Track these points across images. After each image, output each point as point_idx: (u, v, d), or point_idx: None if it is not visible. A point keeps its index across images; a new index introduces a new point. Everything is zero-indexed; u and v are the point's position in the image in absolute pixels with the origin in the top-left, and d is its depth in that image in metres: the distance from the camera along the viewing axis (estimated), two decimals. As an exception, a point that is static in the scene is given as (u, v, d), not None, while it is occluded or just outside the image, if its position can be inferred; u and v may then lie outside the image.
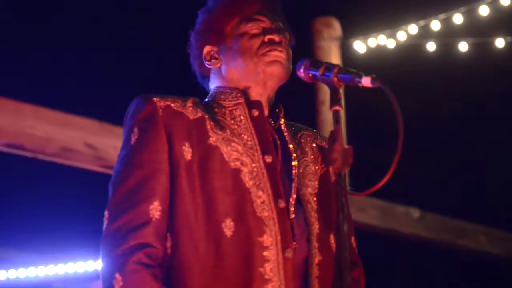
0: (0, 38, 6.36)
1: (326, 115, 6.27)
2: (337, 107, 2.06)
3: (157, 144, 2.23)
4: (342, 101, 2.07)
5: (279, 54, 2.33)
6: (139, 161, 2.22)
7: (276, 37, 2.34)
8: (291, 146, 2.34)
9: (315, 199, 2.30)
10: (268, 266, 2.16)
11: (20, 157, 5.27)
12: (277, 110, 2.39)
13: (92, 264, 7.72)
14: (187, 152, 2.22)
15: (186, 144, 2.23)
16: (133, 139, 2.25)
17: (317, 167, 2.37)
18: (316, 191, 2.32)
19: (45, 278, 7.83)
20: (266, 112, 2.37)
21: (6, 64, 6.40)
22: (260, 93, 2.36)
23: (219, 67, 2.40)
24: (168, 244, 2.20)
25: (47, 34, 6.48)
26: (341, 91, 2.12)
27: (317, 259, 2.24)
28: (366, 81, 2.05)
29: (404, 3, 6.53)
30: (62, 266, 7.74)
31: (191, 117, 2.27)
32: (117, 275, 2.13)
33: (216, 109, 2.32)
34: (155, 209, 2.19)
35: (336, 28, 6.45)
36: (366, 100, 6.12)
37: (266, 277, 2.16)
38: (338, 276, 2.04)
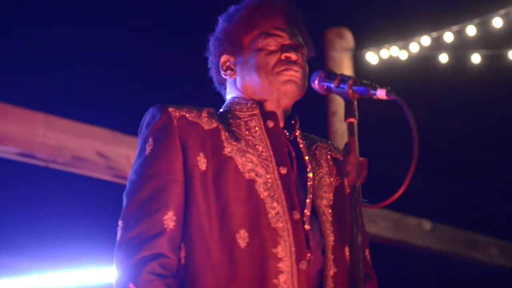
0: (12, 48, 6.38)
1: (338, 126, 6.26)
2: (352, 119, 2.05)
3: (172, 154, 2.23)
4: (357, 113, 2.06)
5: (294, 74, 2.33)
6: (154, 171, 2.22)
7: (293, 56, 2.34)
8: (306, 157, 2.34)
9: (330, 211, 2.30)
10: (282, 278, 2.16)
11: (32, 166, 5.28)
12: (292, 122, 2.39)
13: (104, 273, 7.72)
14: (202, 162, 2.23)
15: (201, 154, 2.23)
16: (148, 149, 2.25)
17: (332, 179, 2.37)
18: (331, 203, 2.32)
19: (57, 287, 7.83)
20: (281, 124, 2.37)
21: (19, 73, 6.42)
22: (275, 106, 2.36)
23: (235, 79, 2.40)
24: (182, 254, 2.19)
25: (59, 42, 6.50)
26: (356, 103, 2.11)
27: (332, 271, 2.24)
28: (381, 94, 2.05)
29: (417, 15, 6.53)
30: (73, 274, 7.75)
31: (206, 127, 2.27)
32: (131, 285, 2.13)
33: (231, 120, 2.33)
34: (170, 219, 2.18)
35: (348, 39, 6.44)
36: (380, 112, 6.12)
37: None
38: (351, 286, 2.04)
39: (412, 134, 1.97)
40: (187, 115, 2.28)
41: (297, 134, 2.38)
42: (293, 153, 2.34)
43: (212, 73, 2.48)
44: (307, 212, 2.26)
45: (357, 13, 6.74)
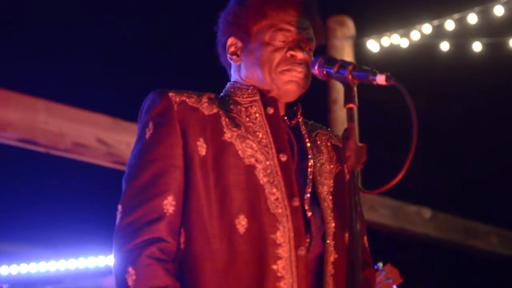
0: (15, 36, 6.38)
1: (339, 113, 6.26)
2: (351, 105, 2.05)
3: (172, 139, 2.23)
4: (356, 99, 2.06)
5: (297, 75, 2.32)
6: (154, 156, 2.22)
7: (299, 54, 2.32)
8: (308, 144, 2.34)
9: (330, 197, 2.30)
10: (280, 264, 2.16)
11: (33, 152, 5.29)
12: (294, 108, 2.39)
13: (103, 260, 7.73)
14: (202, 147, 2.22)
15: (201, 139, 2.23)
16: (148, 134, 2.25)
17: (332, 166, 2.37)
18: (331, 189, 2.32)
19: (56, 273, 7.85)
20: (282, 110, 2.37)
21: (20, 60, 6.42)
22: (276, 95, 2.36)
23: (239, 65, 2.40)
24: (182, 239, 2.20)
25: (61, 30, 6.50)
26: (355, 89, 2.11)
27: (332, 257, 2.24)
28: (380, 79, 2.05)
29: (418, 3, 6.52)
30: (73, 261, 7.76)
31: (206, 112, 2.27)
32: (130, 269, 2.13)
33: (231, 106, 2.32)
34: (169, 204, 2.19)
35: (349, 27, 6.44)
36: (380, 98, 6.12)
37: (279, 274, 2.16)
38: (349, 274, 2.04)
39: (412, 120, 1.97)
40: (187, 100, 2.28)
41: (299, 120, 2.37)
42: (294, 140, 2.34)
43: (219, 49, 2.47)
44: (306, 198, 2.26)
45: (358, 1, 6.74)
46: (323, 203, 2.28)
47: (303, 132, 2.36)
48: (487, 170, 8.54)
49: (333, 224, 2.26)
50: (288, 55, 2.32)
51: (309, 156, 2.32)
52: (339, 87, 6.30)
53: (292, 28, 2.34)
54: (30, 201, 7.41)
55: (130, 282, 2.13)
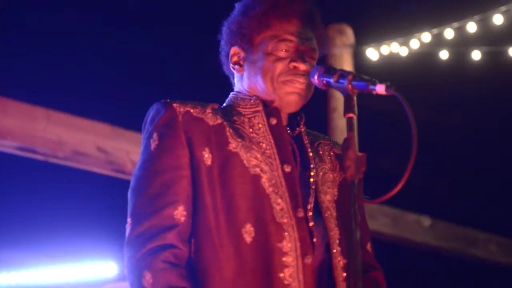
0: (13, 43, 6.38)
1: (338, 122, 6.26)
2: (351, 114, 2.05)
3: (178, 150, 2.23)
4: (356, 109, 2.07)
5: (299, 86, 2.33)
6: (161, 167, 2.22)
7: (301, 66, 2.32)
8: (310, 154, 2.35)
9: (334, 206, 2.31)
10: (287, 272, 2.17)
11: (32, 160, 5.28)
12: (298, 118, 2.39)
13: (103, 267, 7.73)
14: (207, 157, 2.23)
15: (206, 149, 2.23)
16: (153, 145, 2.25)
17: (335, 175, 2.38)
18: (335, 198, 2.33)
19: (55, 280, 7.84)
20: (285, 120, 2.38)
21: (19, 67, 6.42)
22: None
23: (242, 75, 2.40)
24: (192, 249, 2.20)
25: (59, 38, 6.50)
26: (355, 98, 2.11)
27: (342, 262, 2.25)
28: (380, 89, 2.05)
29: (417, 11, 6.53)
30: (73, 268, 7.76)
31: (210, 123, 2.27)
32: (146, 273, 2.12)
33: (235, 117, 2.33)
34: (180, 214, 2.18)
35: (349, 35, 6.45)
36: (380, 108, 6.12)
37: (286, 282, 2.16)
38: (350, 282, 2.04)
39: (411, 130, 1.97)
40: (192, 110, 2.28)
41: (302, 130, 2.38)
42: (296, 150, 2.35)
43: (222, 58, 2.47)
44: (310, 208, 2.26)
45: (358, 10, 6.74)
46: (326, 212, 2.29)
47: (305, 142, 2.37)
48: (487, 178, 8.53)
49: (337, 232, 2.28)
50: (290, 66, 2.33)
51: (311, 166, 2.33)
52: (339, 95, 6.30)
53: (295, 39, 2.34)
54: (29, 209, 7.40)
55: (146, 285, 2.12)
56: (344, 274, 2.24)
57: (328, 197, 2.32)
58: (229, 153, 2.24)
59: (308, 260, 2.19)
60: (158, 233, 2.16)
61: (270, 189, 2.23)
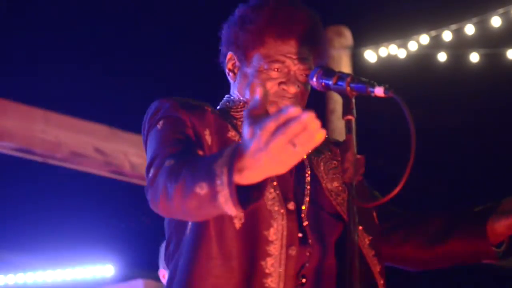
0: (12, 45, 6.38)
1: (336, 124, 6.26)
2: (349, 117, 2.06)
3: (183, 126, 2.22)
4: (355, 111, 2.07)
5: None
6: (172, 134, 2.19)
7: (290, 89, 2.31)
8: (304, 155, 2.34)
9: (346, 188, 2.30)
10: (270, 261, 2.16)
11: (30, 161, 5.28)
12: None
13: (101, 269, 7.73)
14: (208, 137, 2.24)
15: (207, 130, 2.24)
16: (159, 126, 2.23)
17: (339, 159, 2.37)
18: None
19: (53, 282, 7.85)
20: None
21: (18, 69, 6.43)
22: None
23: (235, 82, 2.41)
24: (188, 226, 2.21)
25: (59, 40, 6.51)
26: (354, 100, 2.12)
27: (367, 240, 2.27)
28: (379, 91, 2.06)
29: (415, 13, 6.53)
30: (71, 270, 7.76)
31: (209, 110, 2.30)
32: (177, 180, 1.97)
33: (227, 120, 2.34)
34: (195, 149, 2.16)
35: (347, 37, 6.45)
36: (378, 110, 6.12)
37: (267, 271, 2.15)
38: (346, 282, 2.04)
39: (410, 132, 1.98)
40: (191, 101, 2.30)
41: None
42: None
43: (221, 58, 2.48)
44: (305, 209, 2.26)
45: (356, 11, 6.75)
46: (336, 198, 2.29)
47: None
48: (483, 180, 8.54)
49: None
50: (280, 88, 2.32)
51: (306, 163, 2.33)
52: (337, 97, 6.29)
53: (288, 61, 2.32)
54: (27, 210, 7.41)
55: (198, 190, 1.93)
56: (373, 252, 2.26)
57: (336, 183, 2.32)
58: (228, 140, 2.25)
59: (293, 251, 2.18)
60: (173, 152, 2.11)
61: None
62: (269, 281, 2.15)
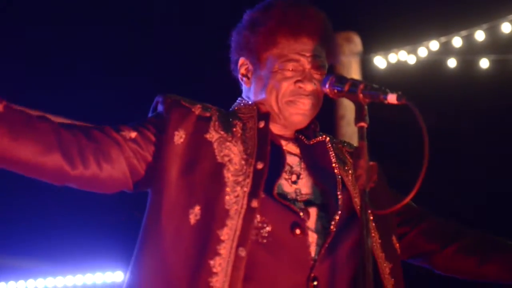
0: (12, 43, 6.41)
1: (346, 129, 6.26)
2: (362, 123, 2.06)
3: (152, 129, 2.31)
4: (367, 118, 2.07)
5: (303, 107, 2.35)
6: (134, 124, 2.35)
7: (307, 86, 2.34)
8: (333, 164, 2.35)
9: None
10: (218, 260, 2.16)
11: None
12: (312, 126, 2.41)
13: (111, 275, 7.74)
14: (179, 137, 2.27)
15: (181, 131, 2.28)
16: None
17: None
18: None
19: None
20: (292, 132, 2.40)
21: (17, 68, 6.45)
22: (282, 127, 2.40)
23: (249, 87, 2.43)
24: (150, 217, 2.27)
25: (58, 39, 6.54)
26: (366, 107, 2.12)
27: (387, 268, 2.29)
28: (391, 98, 2.06)
29: (425, 19, 6.53)
30: (81, 276, 7.77)
31: (196, 112, 2.33)
32: None
33: (231, 118, 2.36)
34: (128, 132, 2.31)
35: (356, 43, 6.45)
36: (390, 117, 6.11)
37: (214, 270, 2.15)
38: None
39: (423, 139, 1.98)
40: (182, 101, 2.35)
41: (326, 140, 2.40)
42: (306, 159, 2.35)
43: (232, 65, 2.49)
44: (337, 216, 2.26)
45: (365, 18, 6.75)
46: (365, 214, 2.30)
47: (330, 153, 2.37)
48: (494, 186, 8.52)
49: (377, 235, 2.30)
50: (296, 86, 2.34)
51: (336, 172, 2.34)
52: (347, 103, 6.30)
53: (302, 58, 2.35)
54: (38, 216, 7.42)
55: None
56: (392, 280, 2.28)
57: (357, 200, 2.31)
58: (204, 140, 2.28)
59: (242, 252, 2.17)
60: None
61: (232, 178, 2.23)
62: (214, 280, 2.15)
